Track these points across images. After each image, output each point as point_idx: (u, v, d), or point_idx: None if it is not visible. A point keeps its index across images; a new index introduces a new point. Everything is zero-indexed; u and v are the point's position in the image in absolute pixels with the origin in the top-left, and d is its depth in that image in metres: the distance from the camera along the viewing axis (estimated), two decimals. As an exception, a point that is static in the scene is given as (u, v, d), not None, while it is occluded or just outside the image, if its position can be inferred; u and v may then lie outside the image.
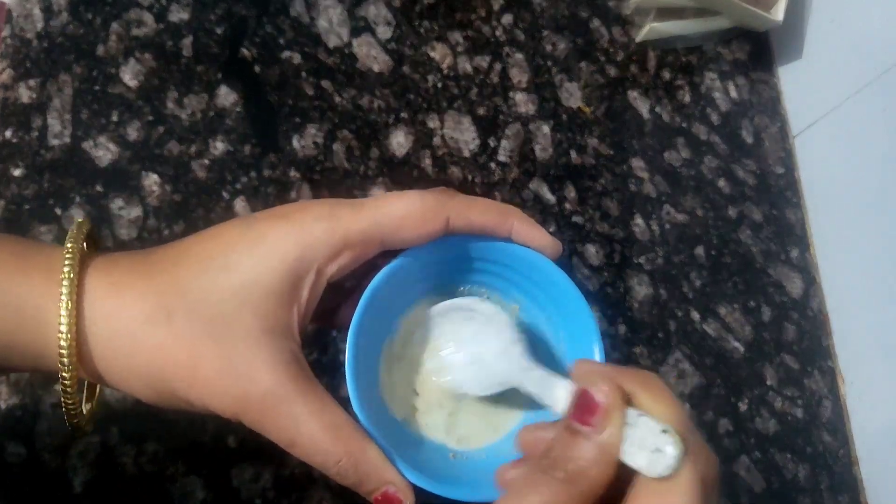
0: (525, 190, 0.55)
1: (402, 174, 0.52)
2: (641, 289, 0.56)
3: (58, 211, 0.43)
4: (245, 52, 0.51)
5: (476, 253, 0.34)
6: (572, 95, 0.60)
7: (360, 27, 0.55)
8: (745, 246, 0.62)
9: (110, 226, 0.44)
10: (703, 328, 0.57)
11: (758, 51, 0.70)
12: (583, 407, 0.26)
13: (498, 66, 0.59)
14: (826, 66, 0.67)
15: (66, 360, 0.27)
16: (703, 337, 0.57)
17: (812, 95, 0.67)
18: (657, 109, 0.63)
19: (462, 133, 0.55)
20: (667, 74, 0.65)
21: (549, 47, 0.61)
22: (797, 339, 0.60)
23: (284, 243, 0.29)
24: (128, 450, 0.40)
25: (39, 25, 0.46)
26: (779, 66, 0.71)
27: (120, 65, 0.47)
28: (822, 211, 0.65)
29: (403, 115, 0.54)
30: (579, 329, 0.34)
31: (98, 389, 0.32)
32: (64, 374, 0.27)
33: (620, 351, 0.53)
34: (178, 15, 0.50)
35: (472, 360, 0.34)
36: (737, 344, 0.58)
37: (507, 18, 0.61)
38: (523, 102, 0.58)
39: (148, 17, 0.49)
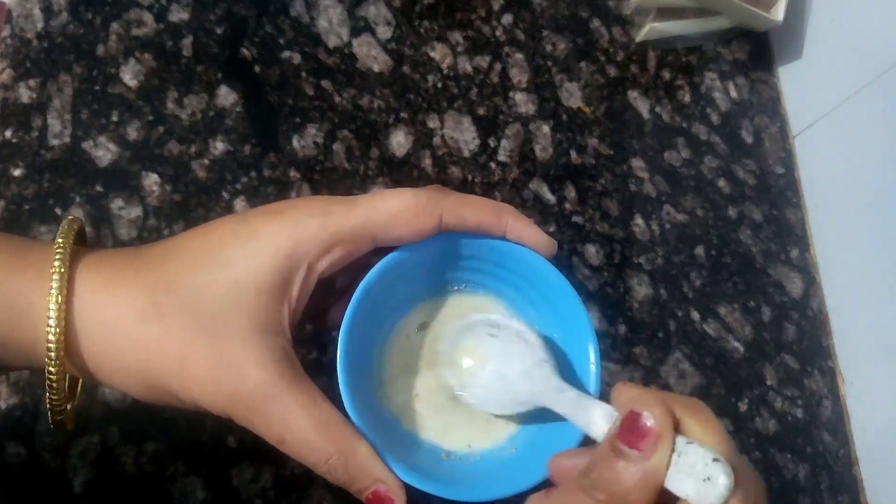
0: (525, 190, 0.55)
1: (402, 174, 0.52)
2: (641, 289, 0.56)
3: (58, 211, 0.43)
4: (245, 52, 0.51)
5: (470, 251, 0.34)
6: (572, 95, 0.60)
7: (360, 27, 0.55)
8: (745, 246, 0.62)
9: (110, 226, 0.44)
10: (703, 328, 0.57)
11: (758, 51, 0.70)
12: (631, 430, 0.25)
13: (498, 66, 0.59)
14: (826, 66, 0.67)
15: (53, 353, 0.27)
16: (703, 337, 0.57)
17: (812, 95, 0.67)
18: (657, 109, 0.63)
19: (462, 133, 0.55)
20: (667, 74, 0.65)
21: (549, 47, 0.61)
22: (797, 339, 0.60)
23: (276, 239, 0.29)
24: (128, 450, 0.40)
25: (39, 25, 0.46)
26: (779, 66, 0.71)
27: (120, 65, 0.47)
28: (822, 211, 0.65)
29: (403, 115, 0.54)
30: (574, 328, 0.34)
31: (80, 387, 0.32)
32: (50, 369, 0.27)
33: (620, 351, 0.53)
34: (178, 15, 0.50)
35: (495, 377, 0.34)
36: (737, 344, 0.58)
37: (507, 18, 0.61)
38: (523, 102, 0.58)
39: (148, 17, 0.49)
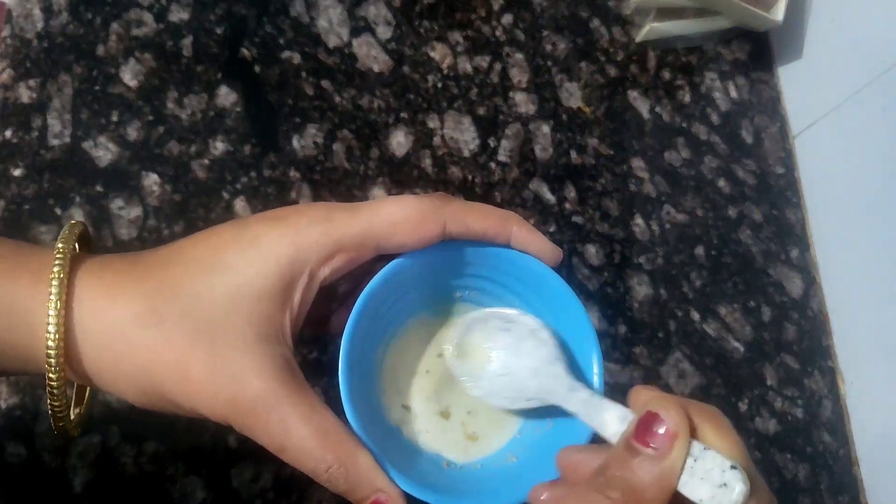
0: (525, 190, 0.55)
1: (402, 174, 0.52)
2: (641, 289, 0.56)
3: (58, 211, 0.43)
4: (245, 52, 0.51)
5: (474, 258, 0.34)
6: (572, 95, 0.60)
7: (360, 27, 0.55)
8: (745, 246, 0.62)
9: (110, 226, 0.44)
10: (703, 328, 0.57)
11: (758, 51, 0.70)
12: (648, 429, 0.26)
13: (498, 66, 0.59)
14: (826, 66, 0.67)
15: (53, 360, 0.26)
16: (703, 337, 0.57)
17: (812, 95, 0.67)
18: (657, 109, 0.63)
19: (462, 133, 0.55)
20: (667, 74, 0.65)
21: (549, 47, 0.61)
22: (797, 339, 0.60)
23: (278, 246, 0.29)
24: (128, 450, 0.40)
25: (39, 25, 0.46)
26: (779, 66, 0.71)
27: (120, 65, 0.47)
28: (822, 211, 0.65)
29: (403, 115, 0.54)
30: (578, 338, 0.34)
31: (88, 394, 0.32)
32: (51, 376, 0.27)
33: (620, 351, 0.53)
34: (178, 15, 0.50)
35: (504, 371, 0.34)
36: (737, 344, 0.58)
37: (507, 18, 0.61)
38: (523, 102, 0.58)
39: (148, 17, 0.49)
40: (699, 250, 0.60)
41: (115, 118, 0.46)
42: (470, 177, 0.54)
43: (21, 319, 0.27)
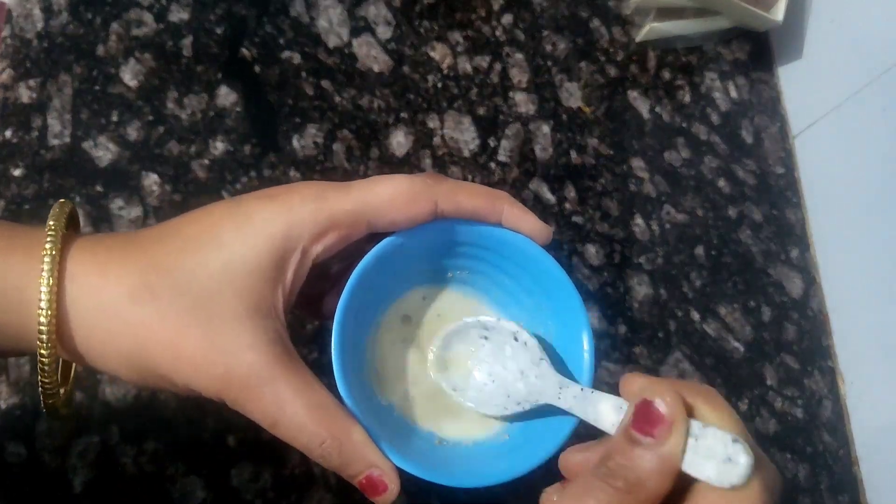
0: (525, 190, 0.55)
1: (402, 174, 0.52)
2: (641, 289, 0.56)
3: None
4: (245, 52, 0.51)
5: (465, 237, 0.34)
6: (572, 95, 0.60)
7: (360, 27, 0.55)
8: (745, 246, 0.62)
9: (110, 226, 0.44)
10: (703, 328, 0.57)
11: (758, 51, 0.70)
12: (645, 417, 0.26)
13: (498, 66, 0.59)
14: (826, 66, 0.67)
15: (44, 336, 0.26)
16: (703, 337, 0.57)
17: (812, 95, 0.67)
18: (657, 109, 0.63)
19: (462, 133, 0.55)
20: (667, 74, 0.65)
21: (549, 47, 0.61)
22: (797, 339, 0.60)
23: (271, 223, 0.29)
24: (128, 450, 0.40)
25: (39, 25, 0.46)
26: (779, 66, 0.71)
27: (120, 65, 0.47)
28: (822, 211, 0.65)
29: (403, 115, 0.54)
30: (569, 315, 0.34)
31: (73, 371, 0.32)
32: (42, 352, 0.27)
33: (620, 351, 0.53)
34: (178, 15, 0.50)
35: (489, 379, 0.34)
36: (737, 344, 0.58)
37: (507, 18, 0.61)
38: (523, 102, 0.58)
39: (148, 17, 0.49)
40: (699, 250, 0.60)
41: (115, 118, 0.46)
42: (470, 177, 0.54)
43: (12, 297, 0.27)
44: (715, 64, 0.68)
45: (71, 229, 0.30)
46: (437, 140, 0.54)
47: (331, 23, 0.54)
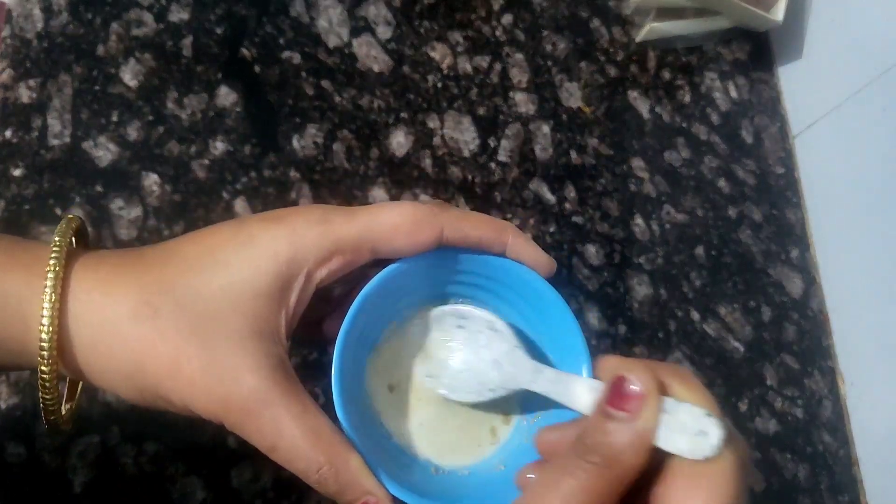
0: (525, 190, 0.55)
1: (402, 174, 0.52)
2: (641, 289, 0.56)
3: (58, 211, 0.43)
4: (245, 52, 0.51)
5: (468, 266, 0.34)
6: (572, 95, 0.60)
7: (360, 27, 0.55)
8: (745, 246, 0.62)
9: (110, 226, 0.44)
10: (703, 328, 0.57)
11: (758, 51, 0.70)
12: (619, 393, 0.26)
13: (498, 66, 0.59)
14: (826, 66, 0.67)
15: (45, 353, 0.26)
16: (703, 337, 0.57)
17: (812, 95, 0.67)
18: (657, 109, 0.63)
19: (462, 133, 0.55)
20: (667, 74, 0.65)
21: (549, 47, 0.61)
22: (797, 339, 0.60)
23: (275, 245, 0.29)
24: (128, 450, 0.40)
25: (39, 25, 0.46)
26: (779, 66, 0.71)
27: (120, 65, 0.47)
28: (822, 211, 0.65)
29: (403, 115, 0.54)
30: (569, 350, 0.34)
31: (79, 389, 0.32)
32: (43, 368, 0.27)
33: (620, 351, 0.53)
34: (178, 15, 0.50)
35: (464, 367, 0.34)
36: (737, 344, 0.58)
37: (507, 18, 0.61)
38: (523, 102, 0.58)
39: (148, 17, 0.49)
40: (699, 250, 0.60)
41: (115, 118, 0.46)
42: (470, 177, 0.54)
43: (14, 312, 0.27)
44: (715, 64, 0.68)
45: (80, 244, 0.30)
46: (437, 140, 0.54)
47: (331, 23, 0.54)
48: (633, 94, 0.63)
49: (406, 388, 0.35)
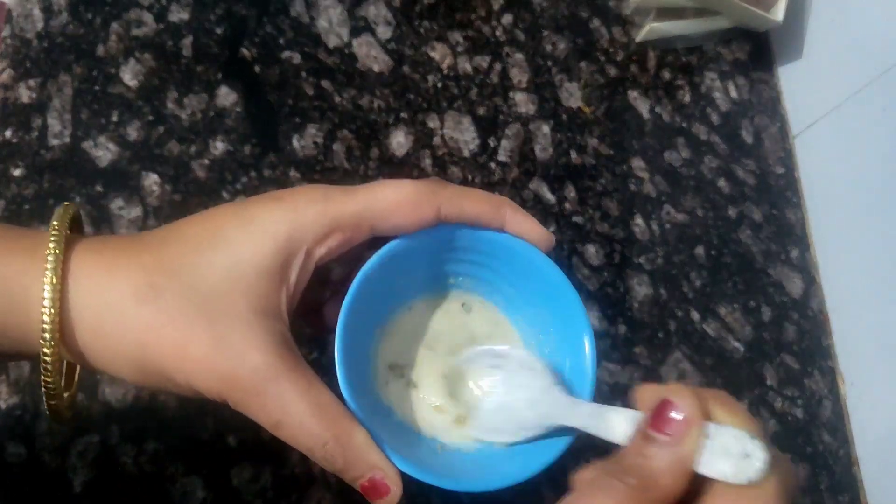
0: (525, 190, 0.55)
1: (402, 174, 0.52)
2: (641, 289, 0.56)
3: (58, 211, 0.43)
4: (245, 52, 0.51)
5: (468, 243, 0.34)
6: (572, 95, 0.60)
7: (360, 27, 0.55)
8: (745, 246, 0.62)
9: (110, 226, 0.44)
10: (703, 328, 0.57)
11: (758, 51, 0.70)
12: (662, 417, 0.26)
13: (498, 66, 0.59)
14: (826, 66, 0.67)
15: (48, 335, 0.26)
16: (703, 337, 0.57)
17: (812, 95, 0.67)
18: (657, 109, 0.63)
19: (462, 133, 0.55)
20: (667, 74, 0.65)
21: (549, 47, 0.61)
22: (797, 339, 0.60)
23: (275, 224, 0.29)
24: (128, 450, 0.40)
25: (39, 25, 0.46)
26: (779, 66, 0.71)
27: (120, 65, 0.47)
28: (822, 211, 0.65)
29: (403, 115, 0.54)
30: (570, 322, 0.34)
31: (77, 374, 0.32)
32: (45, 351, 0.26)
33: (620, 351, 0.53)
34: (178, 15, 0.50)
35: (498, 408, 0.34)
36: (737, 344, 0.58)
37: (507, 18, 0.61)
38: (523, 102, 0.58)
39: (148, 17, 0.49)
40: (699, 250, 0.60)
41: (115, 118, 0.46)
42: (470, 177, 0.54)
43: (16, 298, 0.26)
44: (715, 64, 0.68)
45: (75, 232, 0.30)
46: (437, 140, 0.54)
47: (331, 23, 0.54)
48: (633, 94, 0.63)
49: (410, 367, 0.35)
